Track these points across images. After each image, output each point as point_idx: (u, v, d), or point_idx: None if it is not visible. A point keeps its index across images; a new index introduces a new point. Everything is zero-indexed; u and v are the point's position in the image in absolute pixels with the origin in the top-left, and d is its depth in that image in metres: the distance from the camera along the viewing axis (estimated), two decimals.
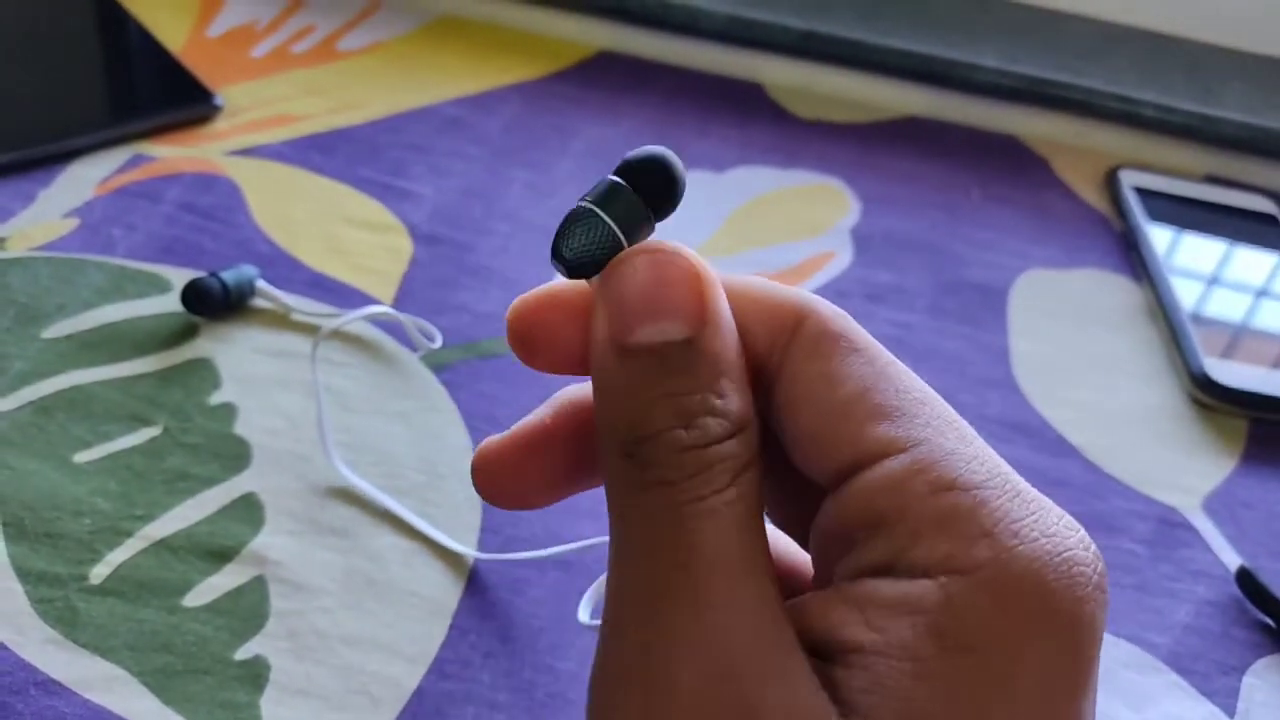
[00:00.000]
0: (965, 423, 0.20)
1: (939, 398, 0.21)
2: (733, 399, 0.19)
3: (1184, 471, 0.43)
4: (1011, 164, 0.57)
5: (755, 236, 0.50)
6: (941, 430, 0.20)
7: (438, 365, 0.41)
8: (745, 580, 0.19)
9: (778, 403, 0.20)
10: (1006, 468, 0.20)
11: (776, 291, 0.21)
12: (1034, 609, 0.18)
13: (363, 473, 0.37)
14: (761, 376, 0.21)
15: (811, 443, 0.20)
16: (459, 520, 0.37)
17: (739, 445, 0.19)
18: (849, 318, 0.21)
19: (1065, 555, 0.19)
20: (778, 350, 0.20)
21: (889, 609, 0.18)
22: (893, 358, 0.21)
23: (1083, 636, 0.19)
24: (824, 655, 0.19)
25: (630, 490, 0.19)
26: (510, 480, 0.22)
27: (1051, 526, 0.19)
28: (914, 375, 0.21)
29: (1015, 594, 0.18)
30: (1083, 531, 0.20)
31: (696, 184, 0.52)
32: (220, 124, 0.50)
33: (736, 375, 0.20)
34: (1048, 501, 0.20)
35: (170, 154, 0.48)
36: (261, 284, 0.42)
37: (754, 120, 0.57)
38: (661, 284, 0.19)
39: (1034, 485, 0.44)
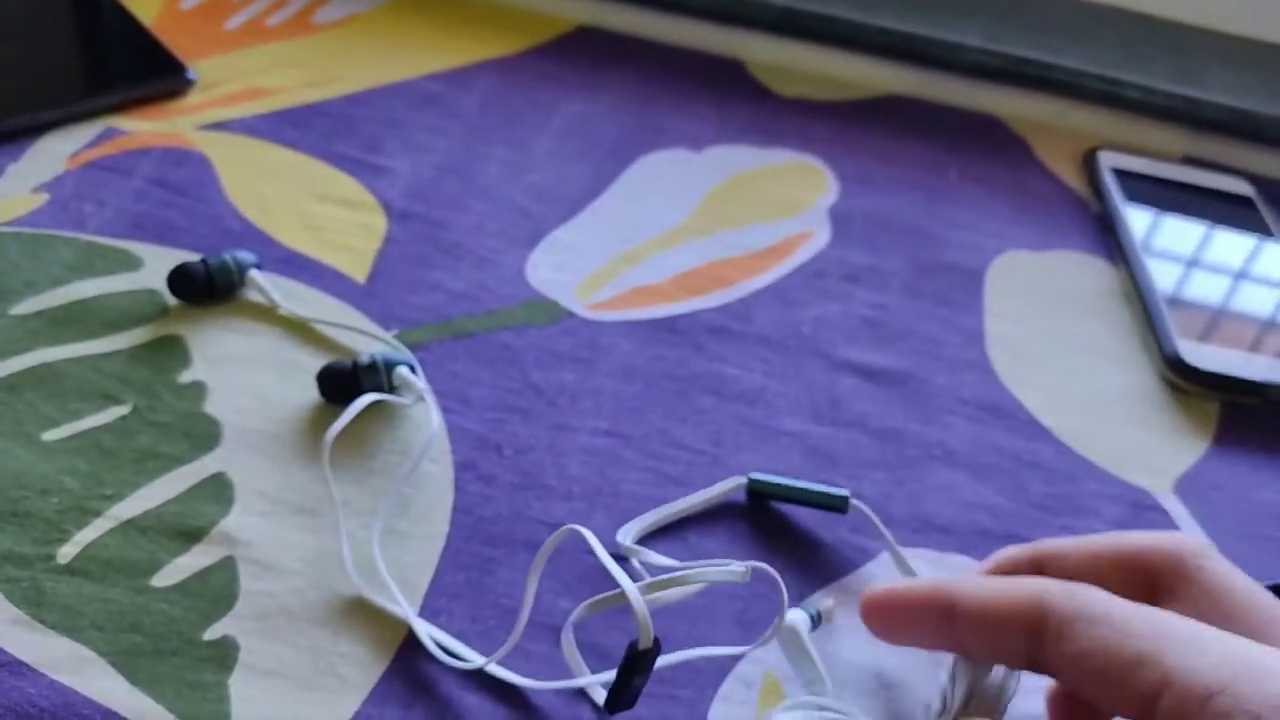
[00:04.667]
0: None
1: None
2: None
3: (1156, 454, 0.43)
4: (991, 144, 0.57)
5: (733, 216, 0.50)
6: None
7: (411, 344, 0.41)
8: None
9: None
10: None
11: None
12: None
13: (333, 453, 0.37)
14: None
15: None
16: (430, 501, 0.37)
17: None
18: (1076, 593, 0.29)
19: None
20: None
21: None
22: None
23: None
24: None
25: None
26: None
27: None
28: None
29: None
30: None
31: (674, 162, 0.52)
32: (193, 98, 0.49)
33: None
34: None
35: (142, 128, 0.47)
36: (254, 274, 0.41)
37: (733, 98, 0.56)
38: None
39: (1007, 468, 0.44)
